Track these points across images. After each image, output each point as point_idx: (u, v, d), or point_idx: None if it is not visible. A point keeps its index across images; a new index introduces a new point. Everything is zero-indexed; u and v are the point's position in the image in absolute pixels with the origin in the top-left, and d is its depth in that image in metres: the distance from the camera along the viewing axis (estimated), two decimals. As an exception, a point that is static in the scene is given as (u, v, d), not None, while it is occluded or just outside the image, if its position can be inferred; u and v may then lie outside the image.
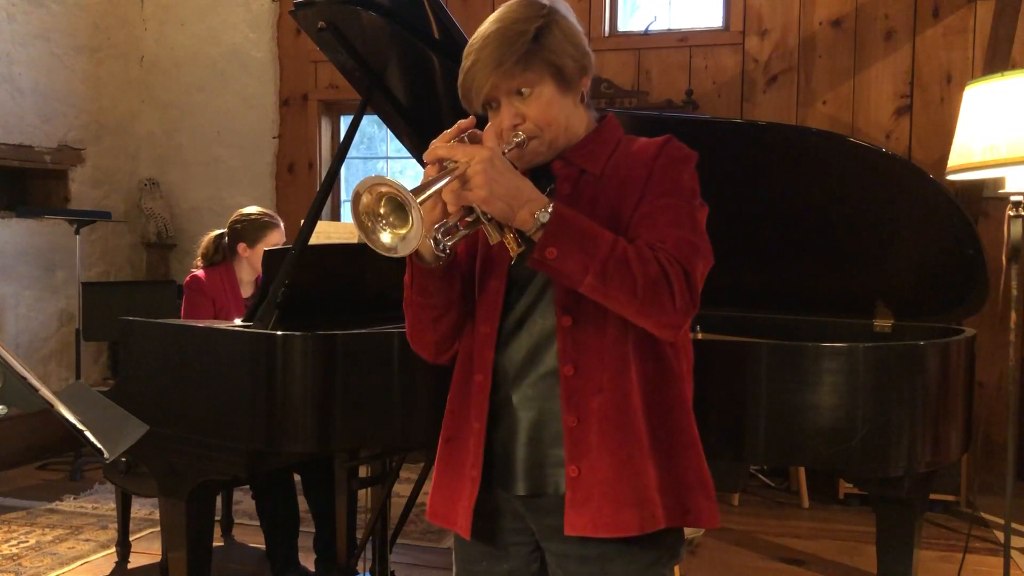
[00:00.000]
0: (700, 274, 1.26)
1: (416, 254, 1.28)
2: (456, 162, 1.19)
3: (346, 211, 5.59)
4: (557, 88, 1.32)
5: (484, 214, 1.21)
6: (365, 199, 1.14)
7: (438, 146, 1.23)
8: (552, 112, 1.32)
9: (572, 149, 1.37)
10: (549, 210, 1.20)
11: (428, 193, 1.16)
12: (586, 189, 1.35)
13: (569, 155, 1.37)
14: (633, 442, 1.29)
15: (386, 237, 1.15)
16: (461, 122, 1.28)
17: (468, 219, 1.24)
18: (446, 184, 1.17)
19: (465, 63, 1.31)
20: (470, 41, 1.32)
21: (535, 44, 1.28)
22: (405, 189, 1.11)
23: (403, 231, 1.14)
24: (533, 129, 1.32)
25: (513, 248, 1.24)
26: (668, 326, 1.25)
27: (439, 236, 1.22)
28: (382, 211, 1.15)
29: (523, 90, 1.31)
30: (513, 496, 1.37)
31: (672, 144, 1.35)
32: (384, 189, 1.13)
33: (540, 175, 1.36)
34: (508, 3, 1.33)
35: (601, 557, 1.31)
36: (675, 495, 1.31)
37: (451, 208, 1.20)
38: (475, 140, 1.27)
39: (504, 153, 1.27)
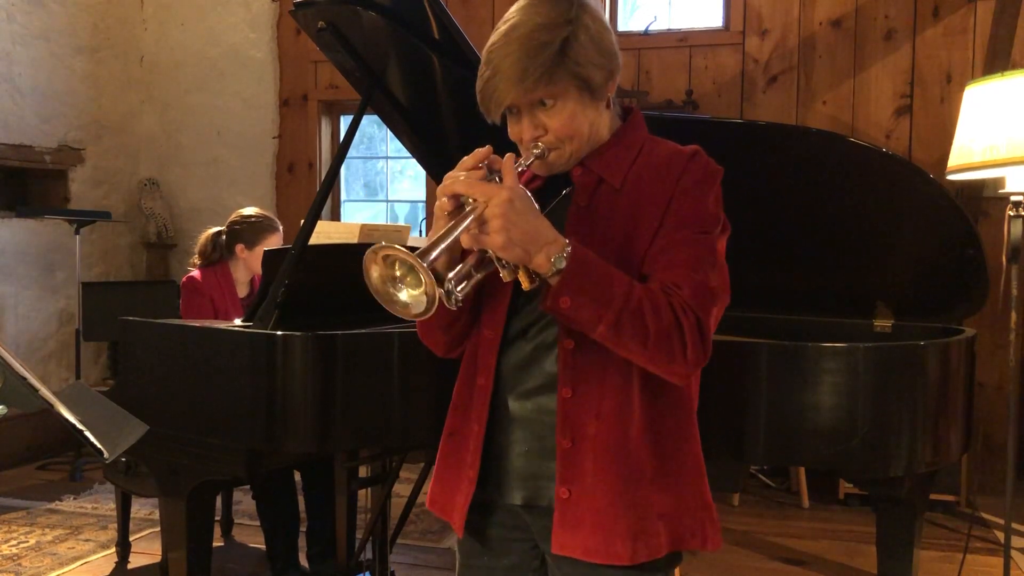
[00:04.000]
0: (715, 319, 1.23)
1: None
2: (473, 201, 1.14)
3: (347, 212, 5.58)
4: (581, 99, 1.27)
5: (499, 259, 1.17)
6: (375, 271, 1.11)
7: (457, 181, 1.17)
8: (575, 124, 1.27)
9: (593, 154, 1.32)
10: (566, 255, 1.15)
11: (437, 252, 1.11)
12: (603, 201, 1.30)
13: (589, 162, 1.32)
14: (632, 472, 1.27)
15: (404, 296, 1.13)
16: (479, 151, 1.22)
17: (482, 261, 1.19)
18: (459, 234, 1.13)
19: (484, 71, 1.25)
20: (490, 42, 1.26)
21: (560, 56, 1.21)
22: (411, 255, 1.07)
23: (419, 291, 1.11)
24: (554, 141, 1.28)
25: (526, 284, 1.20)
26: (676, 375, 1.23)
27: (451, 286, 1.15)
28: (398, 273, 1.12)
29: (546, 101, 1.26)
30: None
31: (698, 161, 1.29)
32: (390, 253, 1.10)
33: (557, 177, 1.34)
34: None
35: (594, 571, 1.30)
36: (678, 520, 1.29)
37: (466, 245, 1.16)
38: (493, 167, 1.21)
39: (523, 169, 1.24)
